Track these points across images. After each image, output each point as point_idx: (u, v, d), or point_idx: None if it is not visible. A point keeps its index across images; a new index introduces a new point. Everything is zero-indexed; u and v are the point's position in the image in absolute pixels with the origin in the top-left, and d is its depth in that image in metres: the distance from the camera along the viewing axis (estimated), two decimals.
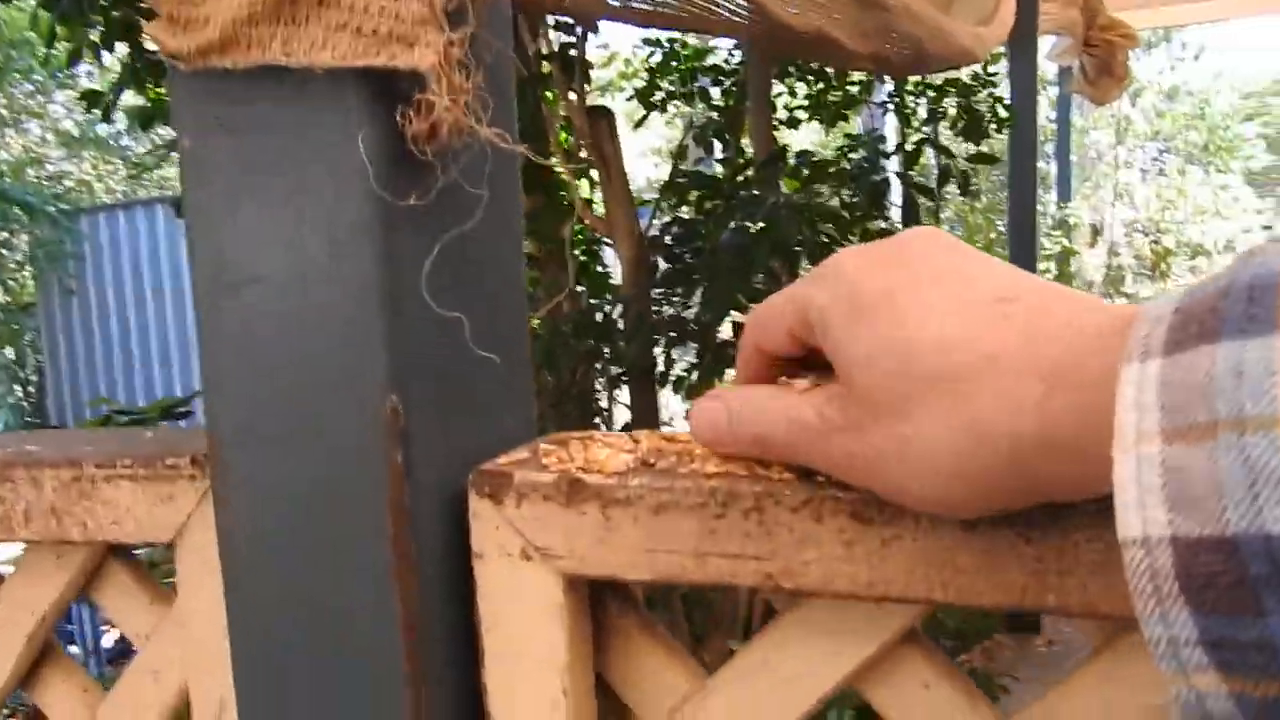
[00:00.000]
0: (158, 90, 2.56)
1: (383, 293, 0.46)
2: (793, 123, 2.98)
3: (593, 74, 2.27)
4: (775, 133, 2.58)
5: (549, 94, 2.10)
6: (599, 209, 2.28)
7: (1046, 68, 6.19)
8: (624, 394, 2.47)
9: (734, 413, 0.44)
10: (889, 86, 3.09)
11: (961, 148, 2.87)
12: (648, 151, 7.54)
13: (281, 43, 0.45)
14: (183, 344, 7.23)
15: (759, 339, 0.45)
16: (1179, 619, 0.28)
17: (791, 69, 2.80)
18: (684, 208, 2.23)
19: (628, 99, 3.19)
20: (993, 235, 5.48)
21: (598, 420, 2.47)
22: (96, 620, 6.16)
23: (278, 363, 0.48)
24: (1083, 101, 5.95)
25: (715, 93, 2.78)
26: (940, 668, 0.48)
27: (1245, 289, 0.28)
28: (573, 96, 1.82)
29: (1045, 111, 7.43)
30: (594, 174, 2.24)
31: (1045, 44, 3.97)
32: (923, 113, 2.90)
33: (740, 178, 2.16)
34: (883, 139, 3.13)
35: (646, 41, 2.80)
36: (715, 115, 2.68)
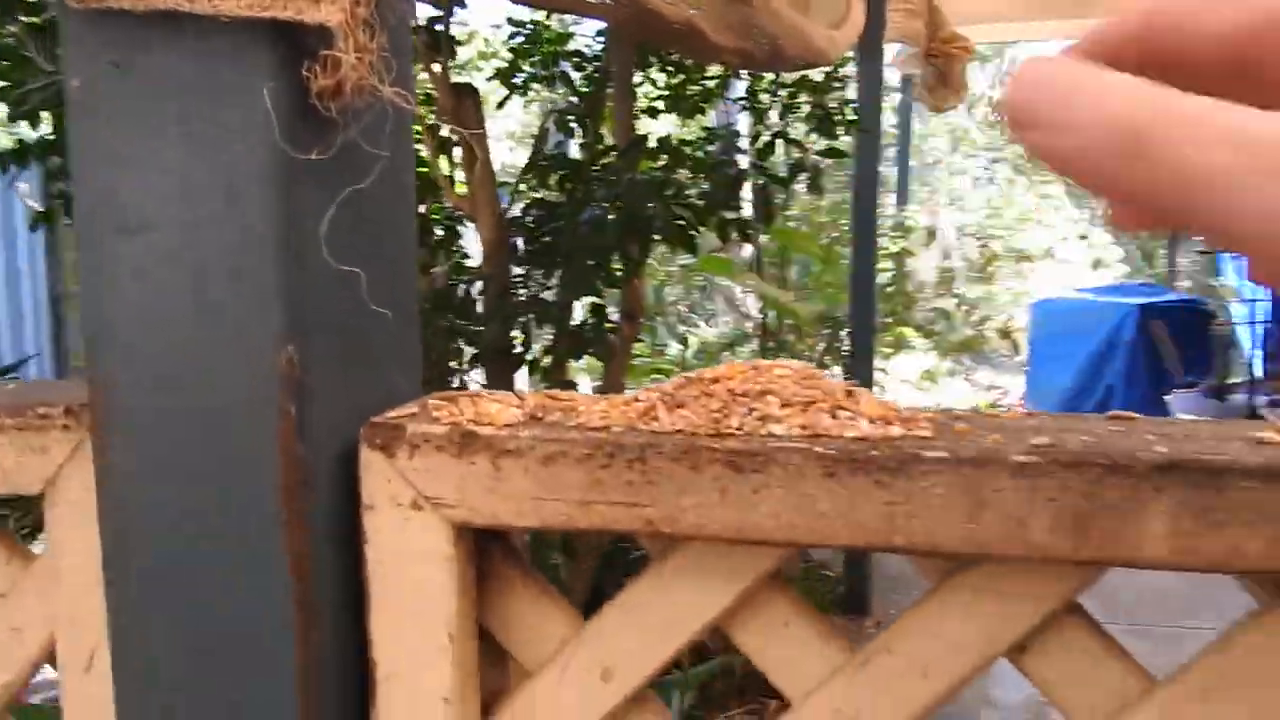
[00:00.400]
0: None
1: (281, 244, 0.47)
2: (652, 113, 3.04)
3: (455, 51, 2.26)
4: (635, 122, 2.63)
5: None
6: (460, 188, 2.27)
7: (891, 75, 6.47)
8: (479, 375, 2.47)
9: (1147, 125, 0.25)
10: (744, 84, 3.19)
11: (814, 143, 2.99)
12: (503, 135, 7.49)
13: None
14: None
15: (1142, 31, 0.28)
16: None
17: (652, 59, 2.85)
18: (544, 190, 2.25)
19: (488, 79, 3.18)
20: (835, 234, 5.71)
21: None
22: None
23: (171, 311, 0.48)
24: (922, 109, 6.26)
25: (577, 78, 2.80)
26: (799, 607, 0.53)
27: None
28: (437, 70, 1.81)
29: (889, 117, 7.77)
30: (456, 152, 2.23)
31: (890, 52, 4.16)
32: (775, 112, 3.00)
33: (601, 163, 2.20)
34: (738, 134, 3.23)
35: (511, 21, 2.80)
36: (576, 100, 2.70)
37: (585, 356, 2.23)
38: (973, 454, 0.46)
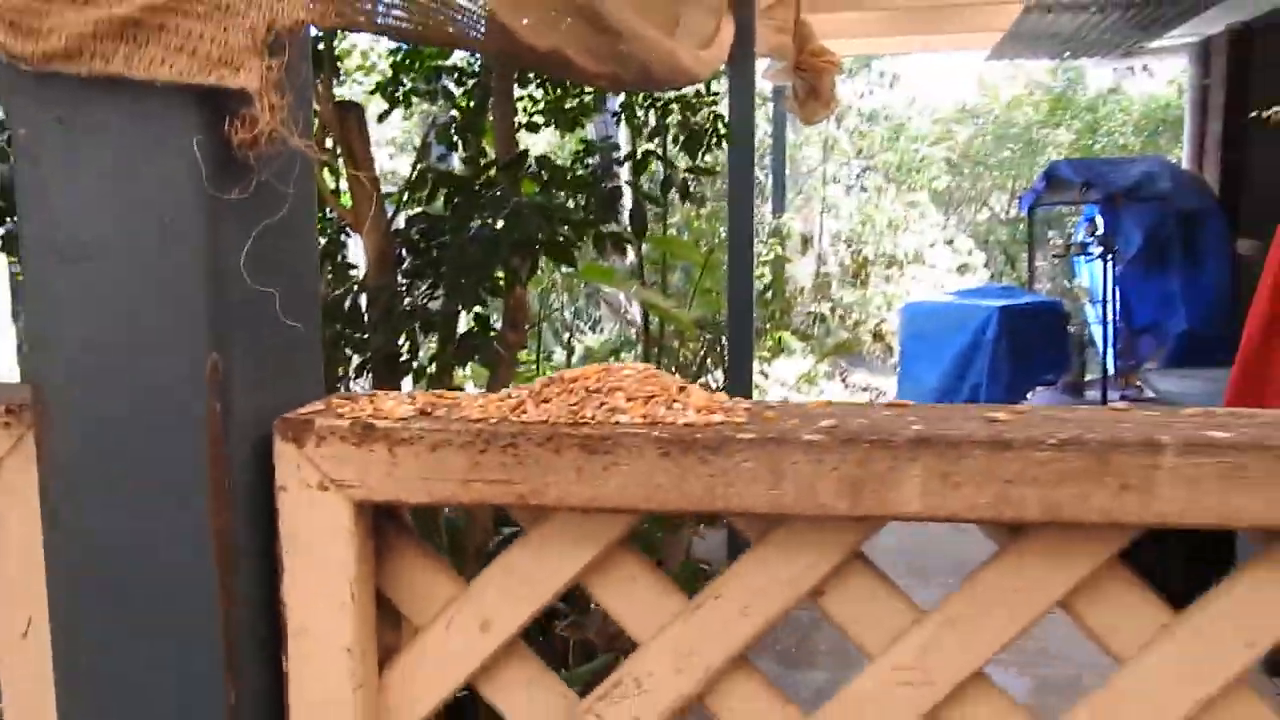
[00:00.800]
0: None
1: (208, 269, 0.56)
2: (532, 127, 3.14)
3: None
4: (515, 135, 2.72)
5: None
6: (345, 199, 2.33)
7: (764, 86, 6.72)
8: (366, 383, 2.53)
9: None
10: (621, 98, 3.32)
11: (685, 160, 3.13)
12: (383, 142, 7.47)
13: (124, 58, 0.54)
14: None
15: None
16: None
17: (531, 76, 2.95)
18: (429, 203, 2.32)
19: (368, 92, 3.22)
20: (715, 241, 5.90)
21: None
22: None
23: (108, 325, 0.56)
24: (795, 119, 6.52)
25: (457, 92, 2.88)
26: (644, 565, 0.64)
27: None
28: (319, 87, 1.87)
29: (763, 127, 8.04)
30: (339, 165, 2.28)
31: (763, 65, 4.36)
32: (652, 123, 3.14)
33: (484, 178, 2.28)
34: (616, 146, 3.35)
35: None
36: (457, 114, 2.78)
37: (471, 364, 2.31)
38: (774, 435, 0.58)
